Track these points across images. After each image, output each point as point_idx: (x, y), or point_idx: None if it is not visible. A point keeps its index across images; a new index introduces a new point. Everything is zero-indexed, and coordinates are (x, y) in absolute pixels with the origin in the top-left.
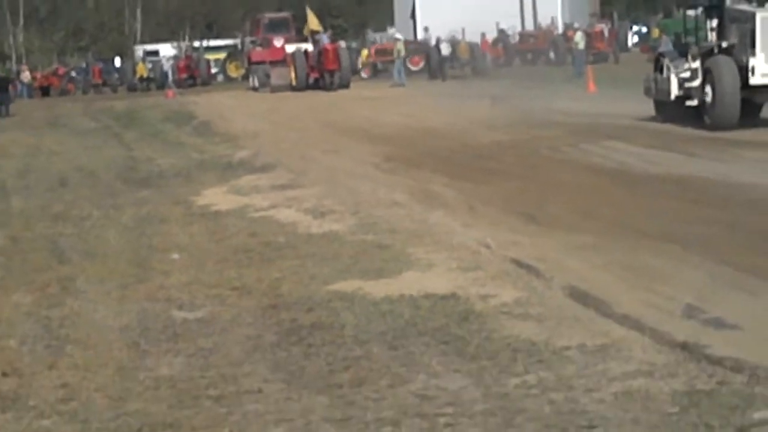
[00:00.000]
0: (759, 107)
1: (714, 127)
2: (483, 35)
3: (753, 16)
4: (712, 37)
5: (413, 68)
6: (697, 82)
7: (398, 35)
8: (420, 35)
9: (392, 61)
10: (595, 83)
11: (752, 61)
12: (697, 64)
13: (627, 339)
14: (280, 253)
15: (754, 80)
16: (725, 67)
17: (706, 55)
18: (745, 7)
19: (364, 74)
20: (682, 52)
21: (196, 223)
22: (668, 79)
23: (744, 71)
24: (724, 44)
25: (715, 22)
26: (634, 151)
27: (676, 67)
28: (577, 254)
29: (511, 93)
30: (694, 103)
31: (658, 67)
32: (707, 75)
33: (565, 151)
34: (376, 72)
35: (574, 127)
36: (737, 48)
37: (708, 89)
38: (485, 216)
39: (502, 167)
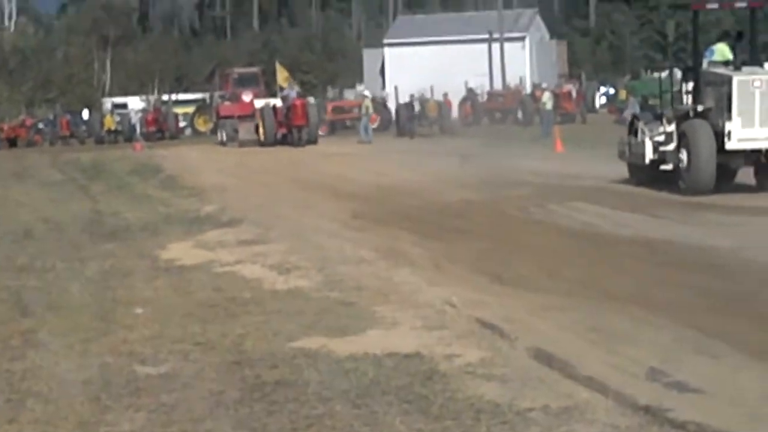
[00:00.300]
0: (734, 172)
1: (689, 191)
2: (445, 95)
3: (730, 79)
4: (688, 100)
5: (373, 126)
6: (672, 146)
7: (366, 92)
8: (389, 92)
9: (352, 119)
10: (563, 143)
11: (728, 126)
12: (672, 128)
13: (591, 401)
14: (244, 309)
15: (730, 145)
16: (701, 131)
17: (681, 118)
18: (721, 70)
19: (320, 131)
20: (656, 115)
21: (161, 277)
22: (642, 142)
23: (720, 136)
24: (700, 108)
25: (690, 86)
26: (601, 212)
27: (650, 131)
28: (543, 315)
29: (480, 152)
30: (669, 167)
31: (633, 131)
32: (682, 139)
33: (533, 211)
34: (333, 130)
35: (542, 188)
36: (713, 112)
37: (683, 154)
38: (452, 275)
39: (469, 226)
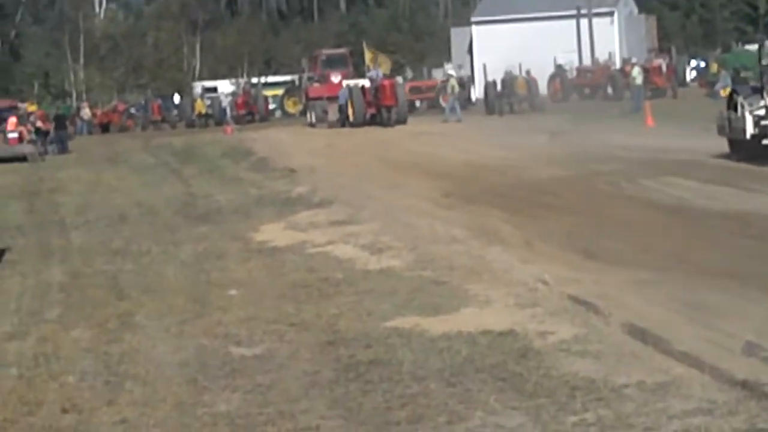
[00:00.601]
0: None
1: None
2: (528, 71)
3: None
4: None
5: (443, 104)
6: None
7: (451, 71)
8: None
9: (428, 98)
10: (654, 118)
11: None
12: None
13: (686, 376)
14: (337, 289)
15: None
16: None
17: None
18: None
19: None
20: (755, 88)
21: (253, 259)
22: (743, 117)
23: None
24: None
25: None
26: (693, 186)
27: (750, 105)
28: (636, 290)
29: (569, 128)
30: None
31: (732, 105)
32: None
33: (624, 186)
34: (412, 110)
35: (633, 163)
36: None
37: None
38: (543, 252)
39: (560, 203)
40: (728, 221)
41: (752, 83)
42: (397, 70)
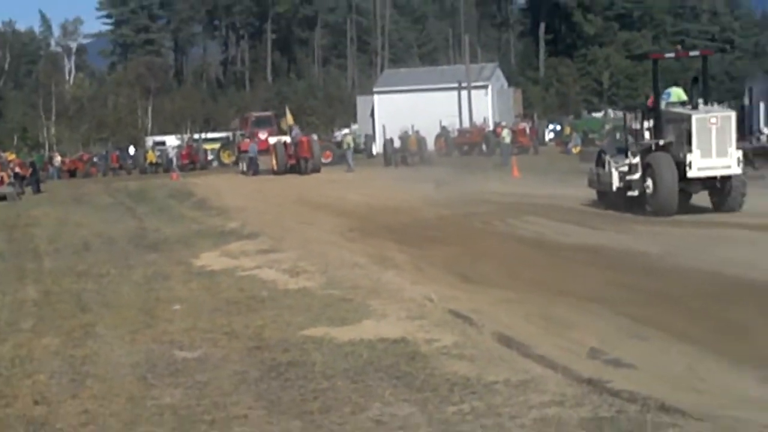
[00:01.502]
0: (689, 196)
1: (655, 213)
2: (416, 132)
3: (689, 117)
4: (646, 136)
5: (324, 161)
6: (637, 175)
7: (346, 130)
8: (378, 131)
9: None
10: (519, 170)
11: (689, 157)
12: (636, 160)
13: (543, 375)
14: (262, 305)
15: (691, 173)
16: (665, 161)
17: (645, 151)
18: (680, 110)
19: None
20: (619, 149)
21: (194, 280)
22: (610, 173)
23: (682, 165)
24: (662, 142)
25: (649, 123)
26: (551, 225)
27: (616, 162)
28: (504, 307)
29: (452, 178)
30: (635, 193)
31: (600, 163)
32: (647, 169)
33: (495, 224)
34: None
35: (502, 206)
36: (674, 145)
37: (649, 181)
38: (429, 275)
39: (443, 236)
40: (580, 252)
41: (598, 143)
42: (313, 129)
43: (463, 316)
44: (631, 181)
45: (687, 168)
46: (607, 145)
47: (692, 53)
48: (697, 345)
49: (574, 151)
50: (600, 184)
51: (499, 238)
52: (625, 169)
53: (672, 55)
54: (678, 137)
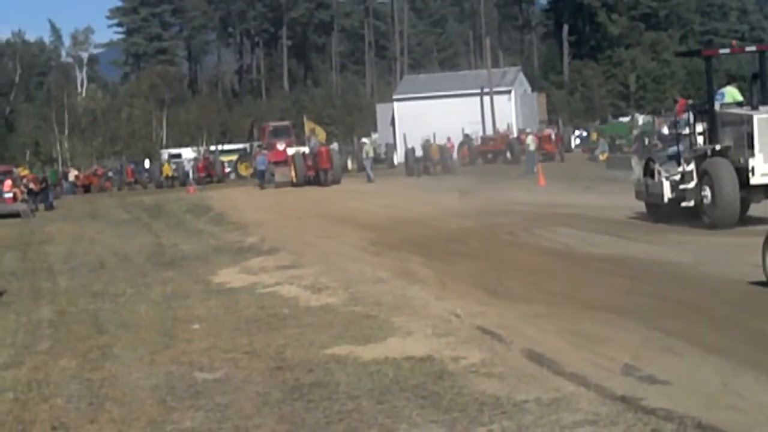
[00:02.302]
0: (748, 205)
1: (714, 226)
2: (448, 139)
3: (750, 119)
4: (700, 140)
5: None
6: (692, 184)
7: (365, 140)
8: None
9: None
10: (545, 178)
11: (752, 162)
12: (691, 167)
13: (575, 393)
14: (284, 323)
15: (754, 180)
16: (724, 168)
17: (699, 158)
18: (739, 111)
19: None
20: (670, 156)
21: (213, 298)
22: (660, 183)
23: (743, 171)
24: (718, 147)
25: (702, 126)
26: (579, 235)
27: (667, 171)
28: (532, 322)
29: (475, 187)
30: (690, 204)
31: (648, 172)
32: (704, 177)
33: (521, 235)
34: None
35: (528, 216)
36: (733, 150)
37: (706, 190)
38: (455, 290)
39: (468, 249)
40: (609, 263)
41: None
42: (331, 139)
43: (491, 332)
44: (684, 190)
45: (749, 174)
46: (635, 151)
47: (748, 49)
48: (733, 359)
49: (602, 157)
50: (649, 195)
51: (525, 249)
52: (678, 177)
53: (727, 51)
54: (737, 141)
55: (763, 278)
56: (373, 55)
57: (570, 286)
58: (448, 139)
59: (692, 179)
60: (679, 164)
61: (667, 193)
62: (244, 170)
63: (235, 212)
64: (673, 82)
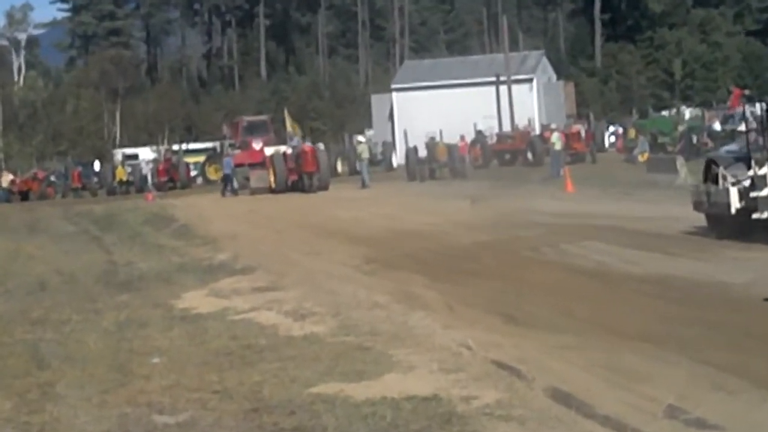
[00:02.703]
0: None
1: None
2: (462, 137)
3: None
4: None
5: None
6: (765, 192)
7: (360, 138)
8: (399, 137)
9: None
10: (573, 183)
11: None
12: (764, 171)
13: None
14: (261, 356)
15: None
16: None
17: None
18: None
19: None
20: (738, 158)
21: (176, 327)
22: (726, 190)
23: None
24: None
25: None
26: (613, 251)
27: (734, 176)
28: (558, 354)
29: (490, 194)
30: (763, 216)
31: (710, 177)
32: None
33: (545, 251)
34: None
35: (554, 228)
36: None
37: None
38: (465, 317)
39: (482, 268)
40: (651, 284)
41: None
42: (319, 136)
43: (509, 367)
44: (756, 199)
45: None
46: (681, 151)
47: None
48: None
49: (641, 158)
50: (711, 205)
51: (549, 268)
52: (748, 183)
53: None
54: None
55: None
56: (367, 37)
57: (603, 312)
58: (462, 137)
59: (765, 185)
60: (749, 167)
61: (735, 203)
62: (213, 173)
63: (202, 223)
64: (726, 69)
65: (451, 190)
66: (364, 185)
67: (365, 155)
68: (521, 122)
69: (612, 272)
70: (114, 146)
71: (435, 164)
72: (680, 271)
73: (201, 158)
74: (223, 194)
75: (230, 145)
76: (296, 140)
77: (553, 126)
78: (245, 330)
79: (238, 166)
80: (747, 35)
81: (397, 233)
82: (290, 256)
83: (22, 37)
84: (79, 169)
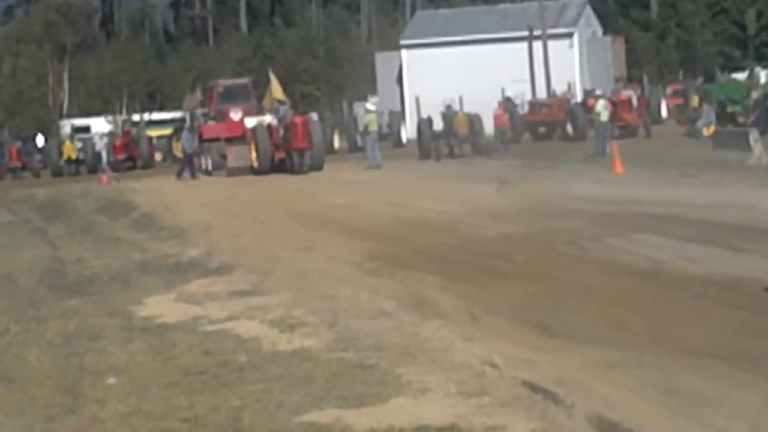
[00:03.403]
0: None
1: None
2: (500, 104)
3: None
4: None
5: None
6: None
7: (369, 105)
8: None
9: None
10: (623, 162)
11: None
12: None
13: None
14: (240, 376)
15: None
16: None
17: None
18: None
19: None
20: None
21: (136, 339)
22: None
23: None
24: None
25: None
26: (672, 246)
27: None
28: (603, 374)
29: (521, 175)
30: None
31: None
32: None
33: (587, 246)
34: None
35: (598, 217)
36: None
37: None
38: (491, 327)
39: (510, 267)
40: (714, 288)
41: (741, 119)
42: (312, 103)
43: (543, 389)
44: None
45: None
46: (755, 123)
47: None
48: None
49: (706, 132)
50: None
51: (593, 267)
52: None
53: None
54: None
55: None
56: None
57: (658, 322)
58: (500, 104)
59: None
60: None
61: None
62: (181, 151)
63: (169, 212)
64: None
65: (472, 171)
66: (372, 165)
67: (373, 127)
68: (559, 87)
69: (669, 272)
70: (61, 116)
71: (453, 139)
72: (753, 271)
73: (167, 131)
74: (179, 176)
75: (203, 115)
76: (283, 109)
77: (599, 92)
78: (221, 344)
79: (212, 140)
80: None
81: (406, 224)
82: (276, 252)
83: None
84: (18, 144)
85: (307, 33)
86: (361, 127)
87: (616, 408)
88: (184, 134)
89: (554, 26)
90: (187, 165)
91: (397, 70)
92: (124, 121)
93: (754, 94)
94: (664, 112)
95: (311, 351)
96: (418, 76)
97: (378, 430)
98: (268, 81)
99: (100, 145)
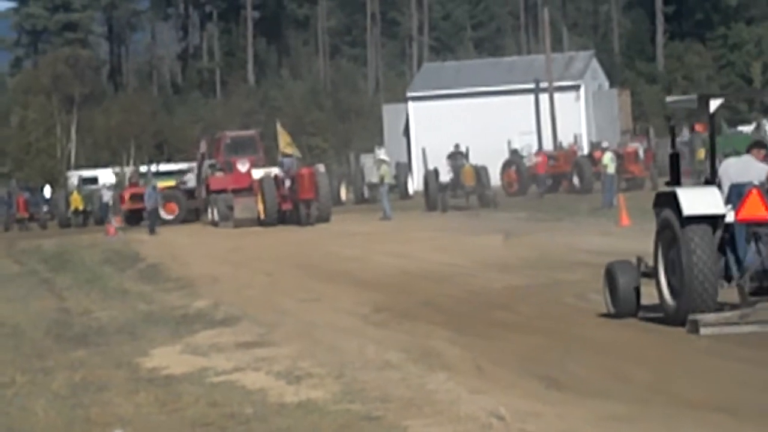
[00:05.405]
0: None
1: None
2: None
3: None
4: None
5: (167, 216)
6: None
7: (383, 155)
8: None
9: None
10: (629, 215)
11: None
12: None
13: None
14: (246, 428)
15: None
16: None
17: None
18: None
19: (115, 223)
20: None
21: (143, 391)
22: None
23: None
24: None
25: None
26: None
27: None
28: (610, 427)
29: (527, 227)
30: None
31: None
32: None
33: (594, 299)
34: (131, 221)
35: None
36: None
37: None
38: (497, 380)
39: (516, 319)
40: (722, 341)
41: None
42: (319, 155)
43: None
44: None
45: None
46: None
47: None
48: None
49: None
50: None
51: (600, 320)
52: None
53: None
54: None
55: None
56: (378, 34)
57: (665, 375)
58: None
59: None
60: None
61: None
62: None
63: (176, 263)
64: None
65: (479, 224)
66: (385, 216)
67: (388, 179)
68: (566, 139)
69: (674, 327)
70: (68, 167)
71: (460, 190)
72: (763, 326)
73: (174, 182)
74: (152, 231)
75: (211, 166)
76: (290, 161)
77: (605, 144)
78: (227, 395)
79: (219, 192)
80: None
81: (413, 276)
82: (283, 304)
83: None
84: (26, 195)
85: (314, 85)
86: (375, 179)
87: None
88: (147, 190)
89: (561, 79)
90: (150, 220)
91: (404, 121)
92: (132, 173)
93: None
94: None
95: (317, 403)
96: (425, 128)
97: None
98: (275, 133)
99: (107, 196)
